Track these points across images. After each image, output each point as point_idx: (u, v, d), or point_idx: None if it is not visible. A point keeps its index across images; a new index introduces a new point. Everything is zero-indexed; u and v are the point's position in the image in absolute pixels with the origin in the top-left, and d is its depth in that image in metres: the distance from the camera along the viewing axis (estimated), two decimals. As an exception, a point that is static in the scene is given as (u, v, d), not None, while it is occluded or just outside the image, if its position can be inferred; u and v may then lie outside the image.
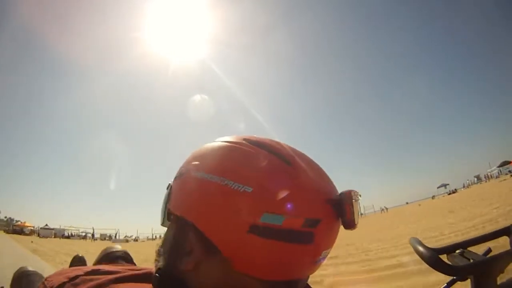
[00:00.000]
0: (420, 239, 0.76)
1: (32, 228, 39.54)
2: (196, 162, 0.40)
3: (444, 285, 0.76)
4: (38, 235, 35.08)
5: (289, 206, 0.34)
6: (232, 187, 0.35)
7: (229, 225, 0.34)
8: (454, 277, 0.73)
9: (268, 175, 0.36)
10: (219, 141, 0.42)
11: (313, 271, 0.39)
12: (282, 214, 0.34)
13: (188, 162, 0.42)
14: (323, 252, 0.37)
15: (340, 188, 0.40)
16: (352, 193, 0.38)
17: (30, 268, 1.08)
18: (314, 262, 0.37)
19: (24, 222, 39.57)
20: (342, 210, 0.37)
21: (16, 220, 41.81)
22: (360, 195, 0.40)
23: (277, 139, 0.43)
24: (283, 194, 0.34)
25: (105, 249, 0.94)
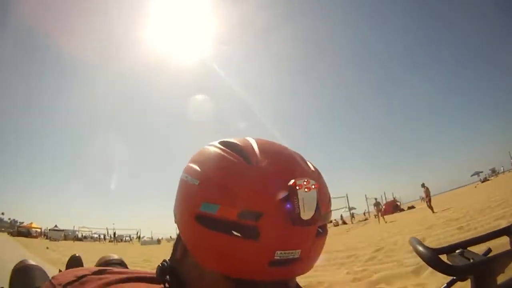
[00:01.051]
0: (420, 239, 0.75)
1: (39, 229, 36.87)
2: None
3: (444, 285, 0.76)
4: (47, 237, 32.73)
5: (224, 195, 0.35)
6: (188, 181, 0.40)
7: (183, 215, 0.40)
8: (454, 277, 0.73)
9: (214, 167, 0.39)
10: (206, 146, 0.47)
11: (278, 274, 0.36)
12: (217, 203, 0.35)
13: None
14: (277, 252, 0.35)
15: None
16: (299, 182, 0.34)
17: (32, 262, 1.05)
18: (268, 263, 0.35)
19: (31, 223, 36.78)
20: (285, 203, 0.34)
21: (20, 222, 38.85)
22: (314, 186, 0.35)
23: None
24: (222, 184, 0.36)
25: (103, 257, 0.96)
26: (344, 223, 22.34)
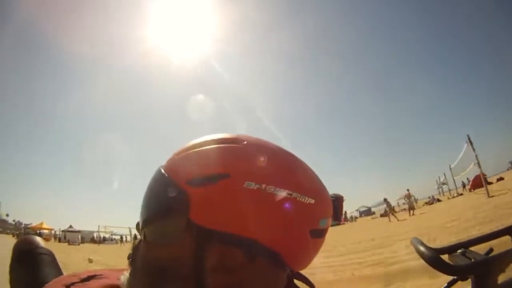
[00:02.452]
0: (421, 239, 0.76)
1: (51, 230, 32.64)
2: (245, 169, 0.37)
3: (445, 285, 0.76)
4: (60, 239, 29.17)
5: (330, 210, 0.44)
6: (296, 198, 0.38)
7: (297, 233, 0.39)
8: (455, 277, 0.73)
9: (319, 186, 0.43)
10: (256, 145, 0.41)
11: None
12: (327, 217, 0.43)
13: (225, 166, 0.37)
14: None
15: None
16: (341, 196, 0.48)
17: (41, 243, 0.92)
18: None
19: (41, 224, 32.40)
20: (338, 209, 0.47)
21: (25, 224, 34.15)
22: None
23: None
24: (327, 201, 0.43)
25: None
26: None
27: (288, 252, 0.39)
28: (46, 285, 0.48)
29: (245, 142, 0.40)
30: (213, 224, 0.35)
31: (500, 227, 0.78)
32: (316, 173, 0.45)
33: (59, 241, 28.92)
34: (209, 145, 0.40)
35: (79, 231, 31.13)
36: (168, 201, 0.36)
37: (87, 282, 0.45)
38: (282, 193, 0.36)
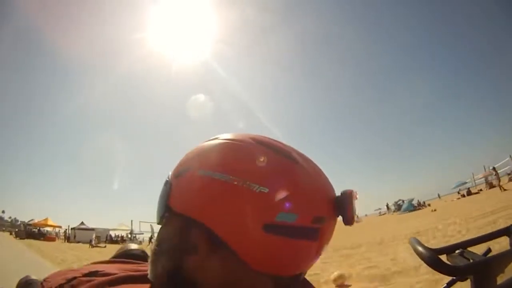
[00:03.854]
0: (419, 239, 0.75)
1: (59, 228, 28.41)
2: (202, 160, 0.40)
3: (444, 285, 0.76)
4: (68, 239, 24.85)
5: (300, 205, 0.36)
6: (249, 188, 0.36)
7: (245, 224, 0.35)
8: (454, 277, 0.73)
9: (281, 175, 0.37)
10: (224, 139, 0.42)
11: (311, 265, 0.42)
12: (295, 212, 0.36)
13: (190, 159, 0.42)
14: (325, 246, 0.40)
15: (337, 186, 0.42)
16: (353, 193, 0.40)
17: (33, 277, 1.04)
18: (317, 256, 0.40)
19: (46, 220, 26.99)
20: (344, 208, 0.39)
21: (26, 221, 28.42)
22: (357, 195, 0.41)
23: (278, 138, 0.43)
24: (295, 194, 0.36)
25: (121, 248, 0.93)
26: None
27: (242, 247, 0.35)
28: (47, 276, 0.47)
29: (218, 137, 0.44)
30: (183, 210, 0.38)
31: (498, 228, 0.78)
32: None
33: (68, 240, 24.74)
34: (200, 144, 0.45)
35: (93, 229, 25.94)
36: (161, 190, 0.43)
37: (91, 277, 0.44)
38: (225, 179, 0.36)
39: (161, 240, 0.42)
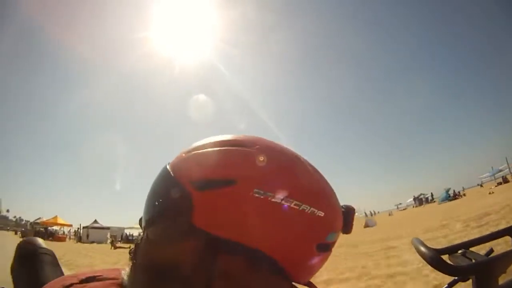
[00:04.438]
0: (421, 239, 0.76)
1: (69, 227, 25.68)
2: (254, 176, 0.35)
3: (445, 286, 0.76)
4: (80, 239, 22.77)
5: (338, 224, 0.40)
6: (306, 211, 0.36)
7: (302, 245, 0.37)
8: (456, 277, 0.73)
9: (331, 198, 0.40)
10: (265, 151, 0.38)
11: None
12: (336, 231, 0.40)
13: (228, 169, 0.36)
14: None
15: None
16: (353, 207, 0.44)
17: (42, 244, 0.92)
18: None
19: (55, 218, 24.07)
20: (347, 222, 0.42)
21: (33, 220, 26.25)
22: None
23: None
24: (336, 214, 0.40)
25: None
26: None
27: (291, 264, 0.37)
28: (46, 285, 0.46)
29: (257, 147, 0.38)
30: (217, 230, 0.33)
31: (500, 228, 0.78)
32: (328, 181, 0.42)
33: (80, 240, 22.71)
34: (218, 147, 0.38)
35: (108, 228, 23.65)
36: (172, 202, 0.36)
37: (87, 284, 0.44)
38: (290, 204, 0.34)
39: (170, 262, 0.35)
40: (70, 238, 25.59)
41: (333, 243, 0.40)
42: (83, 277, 0.46)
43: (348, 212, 0.43)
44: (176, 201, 0.35)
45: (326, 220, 0.38)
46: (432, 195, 28.55)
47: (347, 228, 0.42)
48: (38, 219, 25.73)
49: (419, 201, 28.58)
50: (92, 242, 20.86)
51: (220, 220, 0.34)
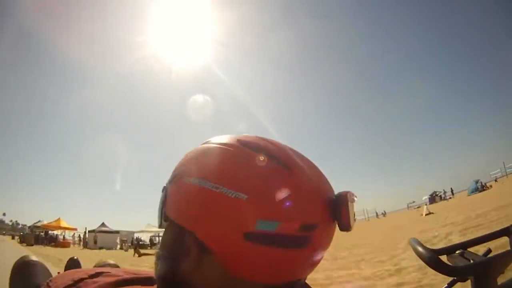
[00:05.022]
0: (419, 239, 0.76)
1: (74, 231, 22.90)
2: (189, 166, 0.40)
3: (444, 286, 0.76)
4: (85, 244, 20.48)
5: (283, 212, 0.34)
6: (226, 194, 0.34)
7: (225, 232, 0.34)
8: (454, 278, 0.73)
9: (262, 180, 0.35)
10: (212, 143, 0.41)
11: (310, 272, 0.39)
12: (277, 220, 0.33)
13: (181, 165, 0.41)
14: (320, 254, 0.37)
15: (337, 188, 0.39)
16: (348, 195, 0.37)
17: (33, 258, 1.02)
18: (311, 264, 0.37)
19: (58, 221, 21.30)
20: (338, 212, 0.36)
21: (28, 225, 23.92)
22: (356, 197, 0.39)
23: (278, 139, 0.42)
24: (277, 200, 0.34)
25: (98, 263, 0.96)
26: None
27: (224, 254, 0.35)
28: (53, 277, 0.47)
29: (207, 141, 0.43)
30: (174, 217, 0.39)
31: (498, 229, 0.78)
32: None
33: (86, 246, 20.39)
34: (194, 148, 0.44)
35: (117, 232, 21.86)
36: (161, 196, 0.44)
37: (96, 279, 0.44)
38: (207, 186, 0.35)
39: (162, 244, 0.42)
40: (74, 244, 22.72)
41: (275, 235, 0.33)
42: (92, 272, 0.47)
43: (337, 201, 0.36)
44: (161, 195, 0.43)
45: (252, 204, 0.33)
46: (452, 190, 29.38)
47: (338, 218, 0.36)
48: (37, 222, 22.62)
49: (433, 198, 29.39)
50: (101, 247, 18.61)
51: (171, 206, 0.40)
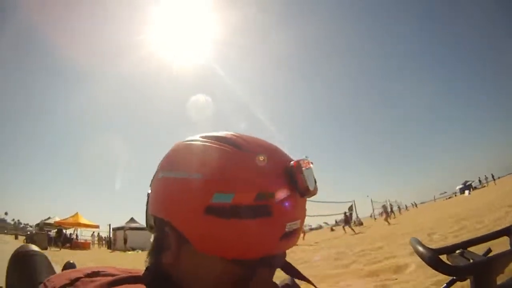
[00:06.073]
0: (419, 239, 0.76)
1: (95, 228, 18.71)
2: (161, 163, 0.45)
3: (444, 285, 0.76)
4: (109, 245, 17.83)
5: (237, 183, 0.37)
6: (185, 177, 0.39)
7: (188, 211, 0.38)
8: (454, 277, 0.73)
9: (214, 159, 0.39)
10: (178, 142, 0.46)
11: (285, 246, 0.40)
12: (231, 192, 0.36)
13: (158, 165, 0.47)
14: (287, 224, 0.38)
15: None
16: (301, 162, 0.40)
17: (34, 248, 0.96)
18: (280, 236, 0.38)
19: (76, 216, 17.40)
20: (293, 179, 0.39)
21: (38, 222, 19.52)
22: (312, 163, 0.41)
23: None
24: (230, 172, 0.38)
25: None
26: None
27: (191, 234, 0.38)
28: (50, 277, 0.47)
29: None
30: (153, 212, 0.44)
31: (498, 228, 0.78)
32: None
33: (109, 247, 17.70)
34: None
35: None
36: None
37: (93, 278, 0.45)
38: (169, 175, 0.41)
39: (152, 243, 0.46)
40: (93, 244, 19.27)
41: (231, 206, 0.36)
42: (88, 271, 0.47)
43: (290, 169, 0.39)
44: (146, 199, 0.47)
45: (206, 180, 0.37)
46: (489, 177, 29.71)
47: (296, 189, 0.38)
48: (47, 218, 18.84)
49: (468, 187, 30.19)
50: (133, 249, 15.16)
51: (153, 204, 0.44)
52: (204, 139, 0.42)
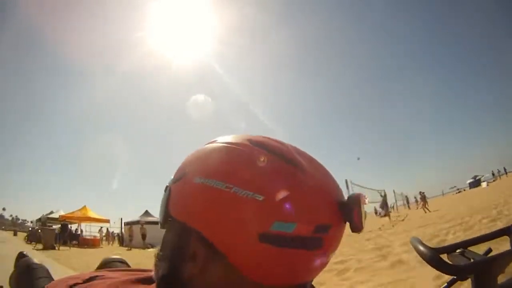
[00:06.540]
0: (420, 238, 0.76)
1: (106, 223, 16.66)
2: (197, 166, 0.39)
3: (444, 285, 0.77)
4: (121, 242, 16.23)
5: (300, 213, 0.34)
6: (240, 194, 0.34)
7: (239, 234, 0.34)
8: (455, 277, 0.73)
9: (277, 181, 0.35)
10: (220, 142, 0.40)
11: (318, 274, 0.39)
12: (293, 221, 0.33)
13: (187, 165, 0.41)
14: (331, 255, 0.38)
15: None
16: (361, 197, 0.37)
17: (35, 260, 0.98)
18: (321, 266, 0.38)
19: (84, 209, 15.66)
20: (350, 214, 0.36)
21: (40, 217, 17.90)
22: (367, 199, 0.40)
23: (277, 137, 0.42)
24: (293, 201, 0.34)
25: (104, 259, 0.95)
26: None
27: (236, 256, 0.34)
28: (48, 284, 0.47)
29: (214, 141, 0.42)
30: (180, 216, 0.38)
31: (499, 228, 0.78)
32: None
33: (121, 244, 16.02)
34: (199, 148, 0.43)
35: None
36: (163, 195, 0.43)
37: (90, 283, 0.45)
38: (219, 186, 0.35)
39: (163, 245, 0.42)
40: (102, 240, 17.27)
41: (291, 237, 0.33)
42: (87, 277, 0.47)
43: (349, 203, 0.36)
44: (164, 194, 0.42)
45: (268, 205, 0.33)
46: (501, 170, 30.26)
47: (350, 220, 0.36)
48: (50, 213, 17.45)
49: (478, 181, 30.79)
50: (152, 246, 13.14)
51: (179, 208, 0.39)
52: (263, 150, 0.37)
